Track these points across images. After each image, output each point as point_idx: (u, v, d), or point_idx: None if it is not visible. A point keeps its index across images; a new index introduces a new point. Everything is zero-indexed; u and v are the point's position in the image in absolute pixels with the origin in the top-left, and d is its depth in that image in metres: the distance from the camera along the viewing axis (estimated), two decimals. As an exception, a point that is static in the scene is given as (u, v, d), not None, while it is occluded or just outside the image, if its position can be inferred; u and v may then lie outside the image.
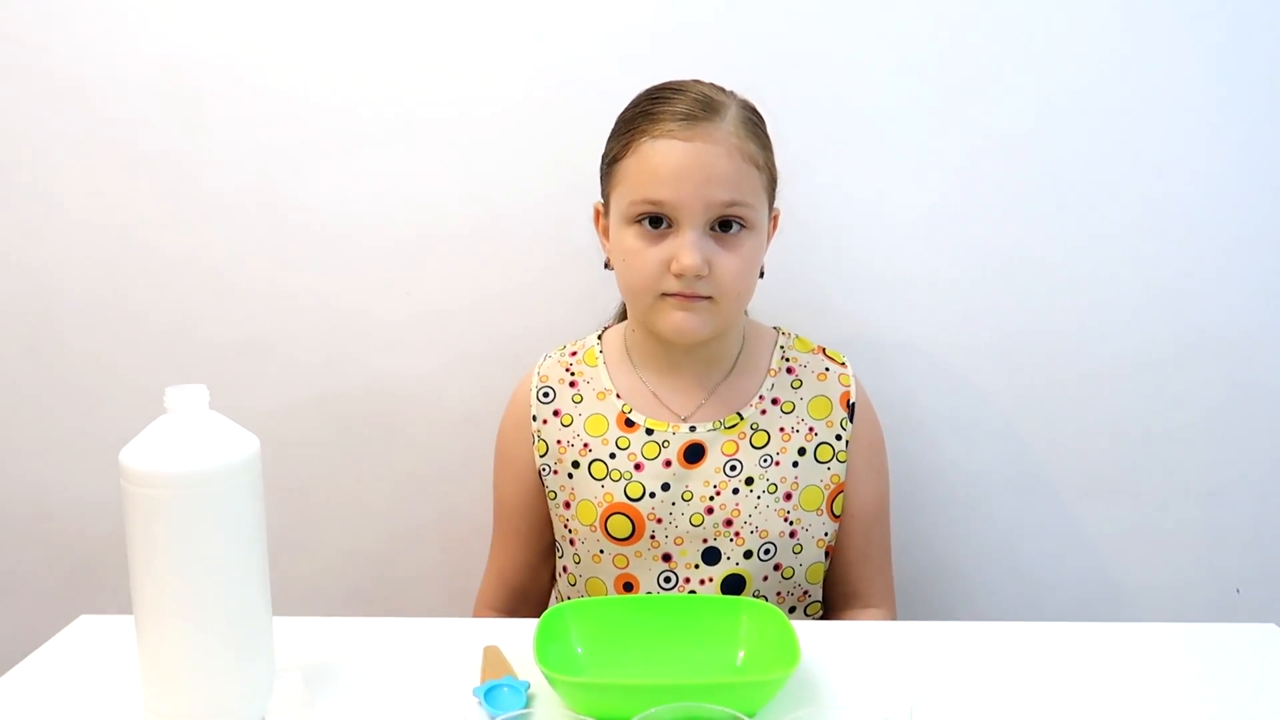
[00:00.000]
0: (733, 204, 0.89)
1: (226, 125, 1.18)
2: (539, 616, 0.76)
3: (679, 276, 0.89)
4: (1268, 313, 1.20)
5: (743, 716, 0.65)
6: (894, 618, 1.06)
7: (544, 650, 0.72)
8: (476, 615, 1.08)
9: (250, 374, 1.23)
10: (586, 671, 0.76)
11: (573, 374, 1.02)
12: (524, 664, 0.75)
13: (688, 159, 0.88)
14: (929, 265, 1.20)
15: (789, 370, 1.01)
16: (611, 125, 0.97)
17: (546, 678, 0.68)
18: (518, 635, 0.79)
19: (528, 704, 0.71)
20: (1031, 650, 0.81)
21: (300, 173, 1.19)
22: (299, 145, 1.18)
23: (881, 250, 1.20)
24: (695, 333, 0.92)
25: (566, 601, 0.80)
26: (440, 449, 1.26)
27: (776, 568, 0.97)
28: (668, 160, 0.89)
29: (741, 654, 0.77)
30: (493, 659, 0.77)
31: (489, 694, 0.72)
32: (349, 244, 1.21)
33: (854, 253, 1.20)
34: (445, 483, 1.27)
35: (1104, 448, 1.23)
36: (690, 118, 0.89)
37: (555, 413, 1.01)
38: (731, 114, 0.91)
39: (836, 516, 1.00)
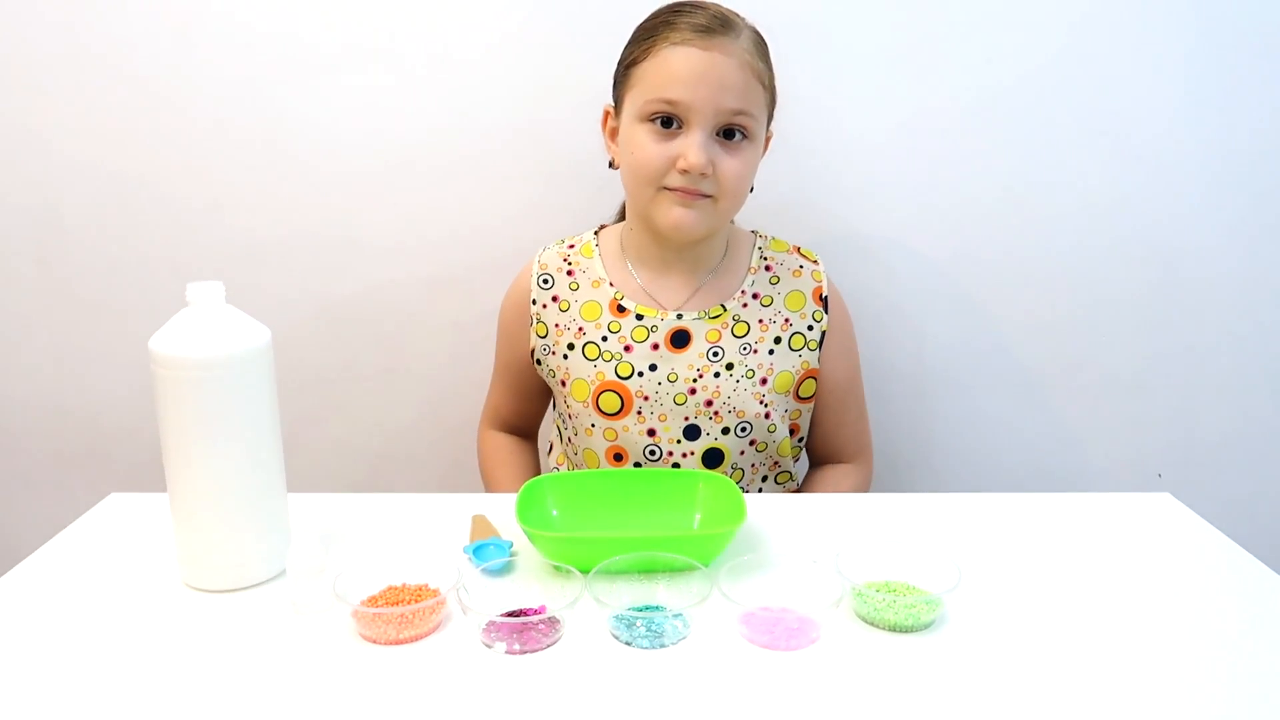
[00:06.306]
0: (740, 112, 0.97)
1: (221, 47, 1.23)
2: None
3: (684, 173, 0.97)
4: (1188, 221, 1.29)
5: (695, 563, 0.76)
6: (870, 470, 1.19)
7: (524, 513, 0.82)
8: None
9: (246, 282, 1.31)
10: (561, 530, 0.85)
11: (570, 264, 1.12)
12: (507, 530, 0.85)
13: (705, 65, 0.96)
14: (887, 177, 1.28)
15: (767, 268, 1.10)
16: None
17: (526, 533, 0.78)
18: (501, 507, 0.89)
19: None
20: (941, 515, 0.92)
21: (292, 90, 1.25)
22: (290, 62, 1.24)
23: (843, 163, 1.28)
24: (692, 229, 1.00)
25: (544, 475, 0.90)
26: (427, 351, 1.35)
27: (752, 443, 1.08)
28: (686, 65, 0.96)
29: (698, 516, 0.87)
30: (480, 524, 0.87)
31: (478, 551, 0.82)
32: (340, 159, 1.27)
33: (817, 165, 1.28)
34: (432, 383, 1.36)
35: (1043, 345, 1.34)
36: (709, 30, 0.97)
37: (554, 298, 1.11)
38: (745, 33, 0.99)
39: (801, 399, 1.10)
